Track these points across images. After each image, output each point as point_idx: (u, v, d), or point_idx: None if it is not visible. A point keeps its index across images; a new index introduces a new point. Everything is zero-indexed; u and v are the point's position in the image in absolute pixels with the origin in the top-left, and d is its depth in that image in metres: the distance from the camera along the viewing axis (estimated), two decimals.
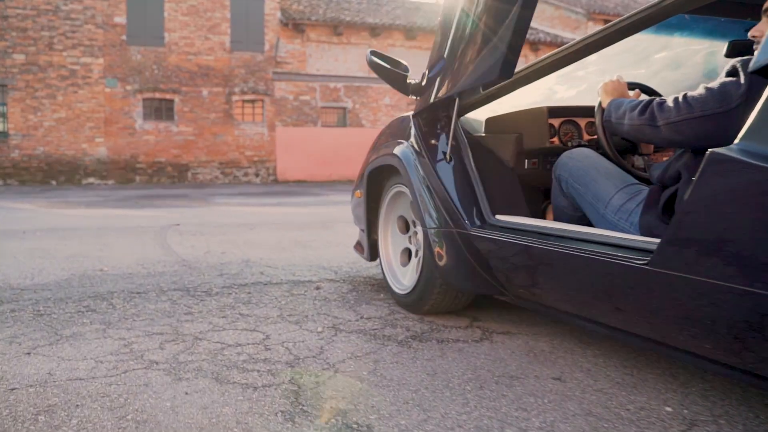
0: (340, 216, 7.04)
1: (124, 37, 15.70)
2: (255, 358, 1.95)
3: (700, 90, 1.56)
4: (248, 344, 2.10)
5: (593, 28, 20.76)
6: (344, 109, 17.82)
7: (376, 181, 2.92)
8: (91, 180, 15.75)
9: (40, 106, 15.26)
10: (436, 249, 2.29)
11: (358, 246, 3.21)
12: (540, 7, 21.27)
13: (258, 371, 1.83)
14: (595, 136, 2.52)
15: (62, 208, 8.33)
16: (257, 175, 16.95)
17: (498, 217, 2.12)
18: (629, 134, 1.84)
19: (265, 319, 2.42)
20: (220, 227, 5.81)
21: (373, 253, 2.97)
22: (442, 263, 2.28)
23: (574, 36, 19.83)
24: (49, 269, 3.50)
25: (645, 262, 1.44)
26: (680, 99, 1.59)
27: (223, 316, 2.46)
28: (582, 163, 2.04)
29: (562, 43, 18.48)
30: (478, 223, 2.15)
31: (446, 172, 2.34)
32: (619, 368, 1.92)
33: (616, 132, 1.91)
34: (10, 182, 15.17)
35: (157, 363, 1.90)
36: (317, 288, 3.03)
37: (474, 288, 2.28)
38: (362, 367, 1.88)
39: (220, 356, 1.97)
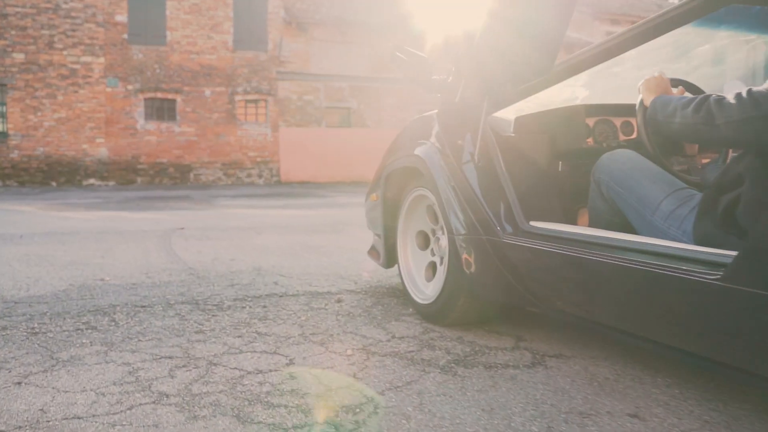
0: (350, 219, 6.79)
1: (125, 36, 15.46)
2: (280, 389, 1.69)
3: (767, 85, 1.39)
4: (271, 371, 1.84)
5: (599, 27, 20.52)
6: (348, 109, 17.57)
7: (394, 184, 2.74)
8: (91, 181, 15.51)
9: (40, 105, 15.02)
10: (464, 257, 2.12)
11: (373, 251, 3.05)
12: None
13: (286, 407, 1.57)
14: (631, 137, 2.33)
15: (62, 211, 8.08)
16: (260, 176, 16.70)
17: (533, 223, 1.94)
18: (680, 134, 1.69)
19: (285, 339, 2.16)
20: (226, 231, 5.55)
21: (390, 259, 2.82)
22: (470, 272, 2.11)
23: (579, 36, 19.59)
24: (45, 279, 3.25)
25: (717, 277, 1.28)
26: (744, 95, 1.42)
27: (239, 335, 2.20)
28: (625, 166, 1.88)
29: (568, 43, 18.23)
30: (510, 229, 1.99)
31: (475, 174, 2.17)
32: (701, 402, 1.66)
33: (663, 132, 1.77)
34: (9, 183, 14.93)
35: (167, 396, 1.64)
36: (338, 301, 2.77)
37: (504, 299, 2.11)
38: (405, 401, 1.62)
39: (240, 387, 1.71)
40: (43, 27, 14.94)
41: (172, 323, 2.37)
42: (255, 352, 2.02)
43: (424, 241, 2.66)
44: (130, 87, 15.58)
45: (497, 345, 2.13)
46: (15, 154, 14.98)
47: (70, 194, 12.03)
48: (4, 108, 14.85)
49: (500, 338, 2.21)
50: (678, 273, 1.37)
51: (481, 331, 2.30)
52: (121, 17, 15.41)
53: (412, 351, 2.05)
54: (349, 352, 2.03)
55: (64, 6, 15.03)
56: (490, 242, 2.04)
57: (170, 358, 1.95)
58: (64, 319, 2.43)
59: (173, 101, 16.00)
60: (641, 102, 1.93)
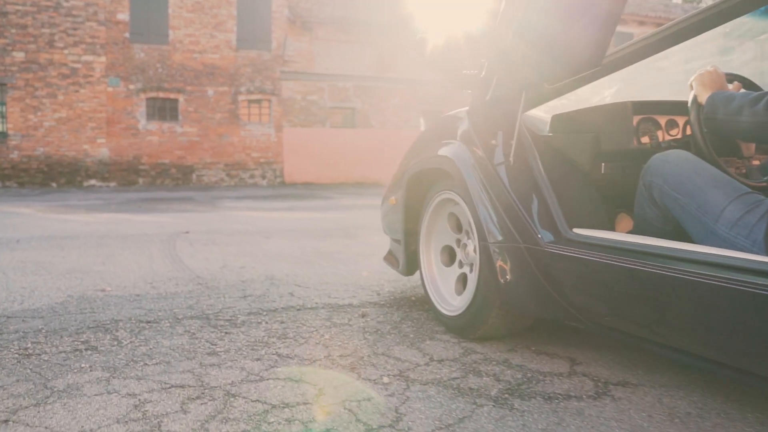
0: (360, 222, 6.54)
1: (127, 35, 15.23)
2: (312, 429, 1.44)
3: None
4: (298, 404, 1.59)
5: None
6: (353, 109, 17.33)
7: (417, 187, 2.57)
8: (92, 182, 15.27)
9: (40, 105, 14.78)
10: (498, 266, 1.96)
11: (391, 257, 2.88)
12: None
13: None
14: (676, 136, 2.16)
15: (61, 213, 7.84)
16: (264, 177, 16.46)
17: (576, 230, 1.79)
18: (747, 133, 1.60)
19: (311, 363, 1.91)
20: (232, 235, 5.30)
21: (411, 267, 2.66)
22: (505, 282, 1.95)
23: None
24: (42, 289, 3.00)
25: None
26: None
27: (258, 358, 1.95)
28: (681, 168, 1.71)
29: None
30: (551, 237, 1.83)
31: (511, 177, 2.01)
32: None
33: (724, 131, 1.66)
34: (8, 184, 14.69)
35: None
36: (363, 315, 2.52)
37: (542, 312, 1.94)
38: None
39: (265, 426, 1.46)
40: (44, 25, 14.70)
41: (182, 342, 2.12)
42: (278, 379, 1.77)
43: (450, 256, 2.48)
44: (131, 86, 15.34)
45: (550, 369, 1.88)
46: (15, 155, 14.74)
47: (70, 195, 11.79)
48: (4, 108, 14.61)
49: (552, 361, 1.96)
50: (757, 289, 1.22)
51: (528, 353, 2.05)
52: (123, 16, 15.17)
53: (457, 378, 1.80)
54: (385, 379, 1.78)
55: (65, 4, 14.79)
56: (529, 251, 1.88)
57: (182, 387, 1.70)
58: (61, 337, 2.18)
59: (175, 101, 15.76)
60: (695, 99, 1.82)
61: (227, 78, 16.00)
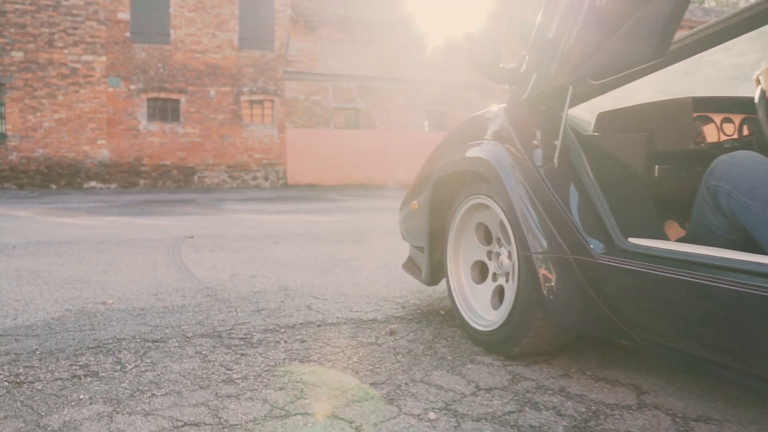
0: (370, 226, 6.31)
1: (127, 34, 15.01)
2: None
3: None
4: None
5: None
6: (357, 110, 17.10)
7: (444, 191, 2.38)
8: (92, 184, 15.04)
9: (40, 106, 14.57)
10: (543, 277, 1.78)
11: (411, 265, 2.72)
12: None
13: None
14: (732, 136, 2.00)
15: (61, 216, 7.60)
16: (266, 178, 16.23)
17: (632, 240, 1.63)
18: None
19: (341, 393, 1.68)
20: (239, 241, 5.06)
21: (435, 276, 2.48)
22: (549, 296, 1.77)
23: None
24: (38, 301, 2.76)
25: None
26: None
27: (281, 387, 1.72)
28: (753, 172, 1.54)
29: None
30: (604, 248, 1.67)
31: (556, 180, 1.84)
32: None
33: None
34: (7, 186, 14.47)
35: None
36: (391, 333, 2.28)
37: (591, 329, 1.79)
38: None
39: None
40: (43, 25, 14.48)
41: (193, 367, 1.88)
42: (307, 414, 1.53)
43: (481, 272, 2.29)
44: (132, 87, 15.12)
45: (616, 401, 1.65)
46: (13, 156, 14.52)
47: (70, 198, 11.55)
48: (3, 108, 14.39)
49: (614, 390, 1.73)
50: None
51: (584, 379, 1.81)
52: (124, 15, 14.95)
53: (512, 412, 1.56)
54: (431, 415, 1.54)
55: (64, 3, 14.57)
56: (579, 262, 1.71)
57: (197, 425, 1.46)
58: (58, 359, 1.95)
59: (177, 101, 15.53)
60: (762, 94, 1.72)
61: (229, 78, 15.77)
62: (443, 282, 2.48)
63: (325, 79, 16.62)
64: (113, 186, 15.15)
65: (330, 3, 17.12)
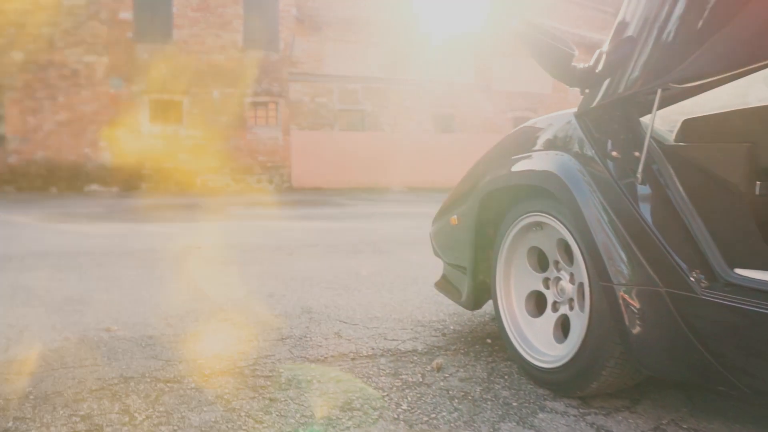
0: (386, 234, 6.03)
1: (129, 35, 14.75)
2: None
3: None
4: None
5: None
6: (362, 111, 16.83)
7: (493, 207, 2.13)
8: (93, 187, 14.77)
9: (40, 107, 14.31)
10: (627, 315, 1.54)
11: (446, 285, 2.47)
12: (565, 8, 20.45)
13: None
14: None
15: (61, 222, 7.31)
16: (271, 182, 15.94)
17: (739, 272, 1.42)
18: None
19: None
20: (250, 252, 4.76)
21: (478, 300, 2.24)
22: (634, 336, 1.53)
23: (600, 37, 18.84)
24: (33, 327, 2.47)
25: None
26: None
27: None
28: None
29: (588, 44, 17.48)
30: (705, 281, 1.44)
31: (641, 198, 1.60)
32: None
33: None
34: (6, 189, 14.20)
35: None
36: (438, 369, 1.99)
37: (684, 375, 1.51)
38: None
39: None
40: (44, 25, 14.20)
41: (215, 418, 1.59)
42: None
43: (537, 303, 2.03)
44: (134, 88, 14.84)
45: None
46: (13, 159, 14.25)
47: (70, 202, 11.27)
48: (2, 110, 14.12)
49: None
50: None
51: (673, 428, 1.52)
52: (126, 15, 14.68)
53: None
54: None
55: (65, 3, 14.30)
56: (674, 297, 1.46)
57: None
58: (54, 408, 1.65)
59: (179, 103, 15.25)
60: None
61: (233, 79, 15.49)
62: (492, 307, 2.19)
63: (330, 80, 16.34)
64: (115, 189, 14.88)
65: (335, 3, 16.85)
